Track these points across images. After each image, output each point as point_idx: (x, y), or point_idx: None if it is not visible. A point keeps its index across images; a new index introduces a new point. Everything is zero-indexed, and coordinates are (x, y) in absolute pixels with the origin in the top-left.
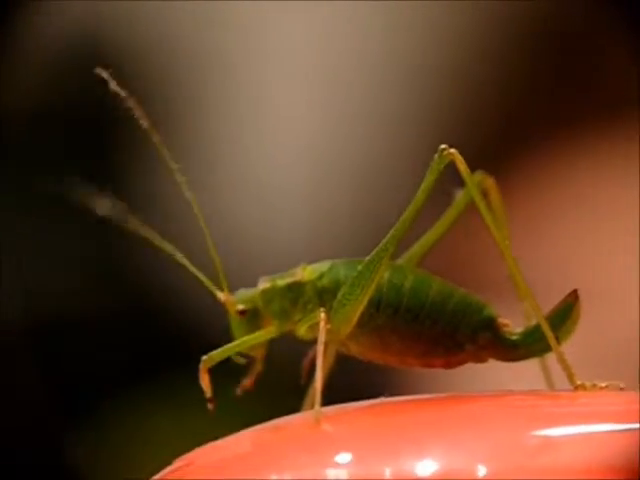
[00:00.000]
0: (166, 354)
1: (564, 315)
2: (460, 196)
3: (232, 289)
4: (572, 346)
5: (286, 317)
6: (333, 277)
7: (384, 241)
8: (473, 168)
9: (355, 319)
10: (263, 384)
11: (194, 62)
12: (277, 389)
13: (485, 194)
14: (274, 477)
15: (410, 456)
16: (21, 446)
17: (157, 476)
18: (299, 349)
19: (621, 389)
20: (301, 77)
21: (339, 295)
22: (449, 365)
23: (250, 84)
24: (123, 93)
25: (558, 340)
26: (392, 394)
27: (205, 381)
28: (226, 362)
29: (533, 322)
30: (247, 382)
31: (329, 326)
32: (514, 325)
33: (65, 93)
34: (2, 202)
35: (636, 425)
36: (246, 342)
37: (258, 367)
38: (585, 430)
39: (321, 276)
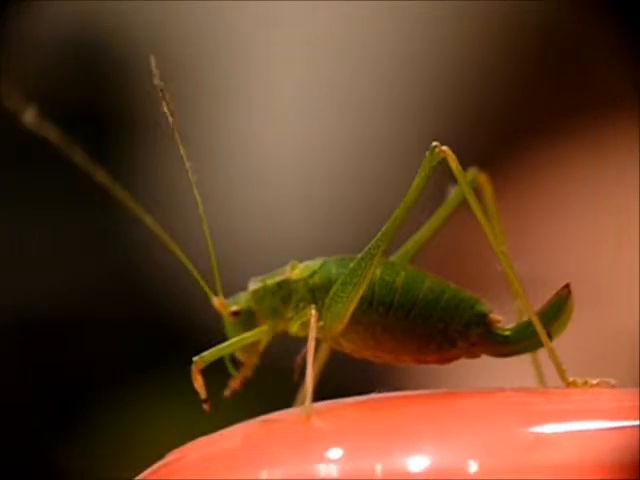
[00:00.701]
0: (160, 351)
1: (556, 310)
2: (453, 193)
3: (230, 289)
4: (565, 342)
5: (278, 316)
6: (325, 274)
7: (376, 238)
8: (467, 164)
9: (347, 316)
10: (257, 381)
11: (195, 56)
12: (271, 386)
13: (478, 190)
14: (264, 472)
15: (401, 452)
16: (16, 445)
17: (148, 470)
18: (293, 347)
19: (612, 386)
20: (300, 74)
21: (331, 292)
22: (442, 361)
23: (248, 81)
24: (161, 86)
25: (550, 336)
26: (385, 390)
27: (198, 382)
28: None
29: (526, 318)
30: (235, 384)
31: (321, 323)
32: (506, 321)
33: (66, 84)
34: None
35: (628, 422)
36: (239, 342)
37: (247, 371)
38: (577, 427)
39: (313, 274)
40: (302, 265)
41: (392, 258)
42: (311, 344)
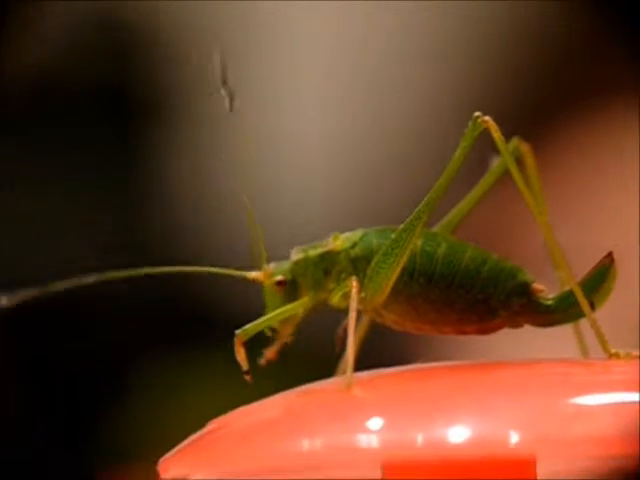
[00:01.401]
0: (191, 332)
1: (599, 279)
2: (495, 164)
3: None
4: (607, 312)
5: (320, 287)
6: (366, 245)
7: (418, 209)
8: (510, 134)
9: (389, 287)
10: (297, 354)
11: (212, 45)
12: (311, 359)
13: (521, 160)
14: (305, 441)
15: (442, 422)
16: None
17: (189, 439)
18: (334, 318)
19: None
20: (337, 44)
21: (372, 263)
22: (484, 331)
23: (279, 57)
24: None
25: (593, 305)
26: (426, 361)
27: (241, 355)
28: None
29: (568, 288)
30: (270, 353)
31: (362, 294)
32: (548, 292)
33: (84, 65)
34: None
35: None
36: (281, 314)
37: (283, 340)
38: (619, 399)
39: (354, 245)
40: (343, 236)
41: (434, 229)
42: (352, 314)
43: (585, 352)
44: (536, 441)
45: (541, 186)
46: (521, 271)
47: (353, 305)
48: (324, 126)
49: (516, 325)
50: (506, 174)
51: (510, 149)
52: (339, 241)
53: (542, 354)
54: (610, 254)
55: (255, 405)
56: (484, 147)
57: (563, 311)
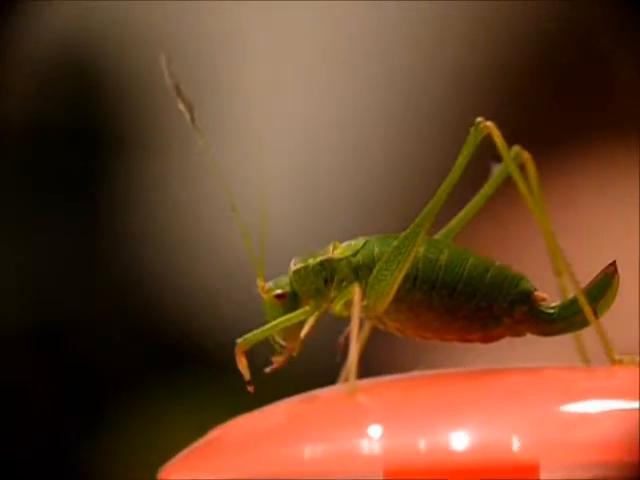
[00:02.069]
0: (174, 353)
1: (602, 288)
2: (497, 170)
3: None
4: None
5: (321, 296)
6: (368, 253)
7: (420, 216)
8: (510, 143)
9: (391, 295)
10: (298, 363)
11: (186, 68)
12: (312, 369)
13: (522, 168)
14: (307, 448)
15: (445, 428)
16: (29, 446)
17: (191, 447)
18: (335, 328)
19: None
20: (338, 42)
21: (374, 271)
22: (486, 339)
23: (269, 59)
24: (176, 83)
25: (596, 314)
26: (428, 368)
27: (242, 364)
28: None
29: (569, 297)
30: (277, 363)
31: (364, 302)
32: (549, 301)
33: (53, 103)
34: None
35: None
36: (282, 323)
37: (289, 353)
38: (622, 405)
39: (356, 252)
40: (344, 244)
41: (436, 237)
42: (355, 322)
43: (585, 359)
44: (539, 447)
45: (542, 194)
46: (523, 279)
47: (356, 312)
48: (324, 132)
49: (518, 334)
50: (507, 181)
51: (511, 156)
52: (340, 249)
53: (544, 362)
54: (613, 263)
55: (258, 412)
56: (486, 155)
57: (565, 320)
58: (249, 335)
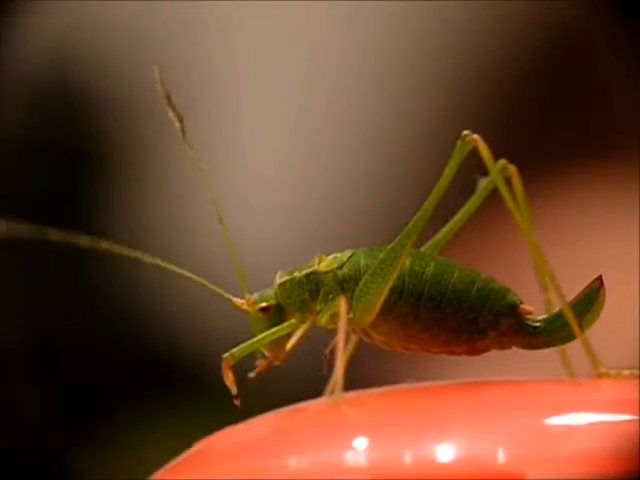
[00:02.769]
0: (160, 368)
1: (588, 302)
2: (483, 183)
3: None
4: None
5: (307, 308)
6: (354, 266)
7: (406, 228)
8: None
9: (377, 307)
10: (284, 377)
11: (174, 84)
12: (298, 382)
13: (507, 182)
14: (293, 460)
15: (430, 441)
16: (23, 460)
17: (177, 459)
18: (321, 341)
19: None
20: (324, 58)
21: (360, 284)
22: (472, 352)
23: (257, 72)
24: (167, 93)
25: (582, 327)
26: (414, 381)
27: (229, 379)
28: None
29: (555, 310)
30: (262, 364)
31: (350, 315)
32: (536, 314)
33: (40, 127)
34: None
35: None
36: (268, 337)
37: (273, 361)
38: (608, 418)
39: (342, 265)
40: (330, 257)
41: (422, 250)
42: (341, 334)
43: (571, 372)
44: (524, 459)
45: (528, 207)
46: (509, 292)
47: (342, 325)
48: (309, 145)
49: (504, 346)
50: (493, 194)
51: (497, 168)
52: (326, 262)
53: (531, 374)
54: (599, 277)
55: (244, 424)
56: (472, 168)
57: (551, 333)
58: (235, 349)
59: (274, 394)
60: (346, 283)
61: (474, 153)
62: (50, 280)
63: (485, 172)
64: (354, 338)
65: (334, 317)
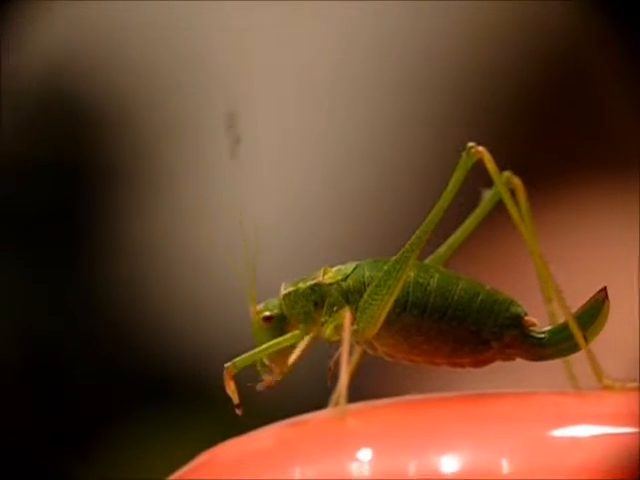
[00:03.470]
0: (161, 382)
1: (592, 314)
2: (488, 195)
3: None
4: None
5: (311, 320)
6: (358, 278)
7: (411, 240)
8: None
9: (381, 319)
10: (287, 389)
11: (174, 97)
12: (302, 393)
13: (512, 193)
14: (297, 471)
15: (434, 452)
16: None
17: (181, 471)
18: (325, 352)
19: None
20: (327, 64)
21: (365, 295)
22: (476, 364)
23: (267, 78)
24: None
25: (586, 339)
26: (418, 393)
27: (231, 388)
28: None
29: (559, 322)
30: (267, 381)
31: (355, 327)
32: (540, 326)
33: (37, 138)
34: None
35: None
36: (271, 347)
37: (277, 375)
38: (612, 430)
39: (346, 277)
40: (334, 269)
41: (426, 262)
42: (346, 346)
43: (575, 384)
44: (528, 471)
45: (533, 219)
46: (514, 303)
47: (347, 336)
48: (314, 156)
49: (508, 358)
50: (498, 207)
51: (503, 180)
52: (331, 273)
53: (534, 387)
54: (604, 289)
55: (247, 436)
56: (475, 180)
57: (556, 345)
58: (238, 359)
59: (278, 406)
60: (350, 295)
61: (478, 165)
62: (49, 292)
63: (488, 184)
64: (358, 350)
65: (338, 329)
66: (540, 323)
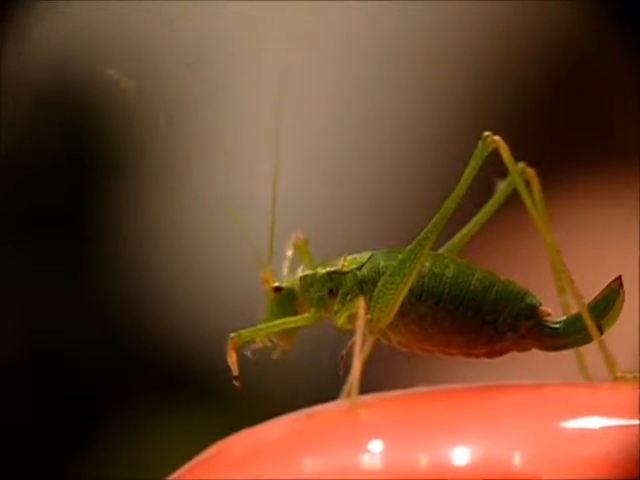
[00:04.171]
0: (166, 374)
1: (607, 303)
2: (502, 185)
3: None
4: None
5: (323, 305)
6: (373, 267)
7: (425, 230)
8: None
9: (395, 309)
10: (300, 379)
11: (179, 93)
12: (314, 383)
13: (527, 184)
14: (309, 462)
15: (445, 443)
16: (20, 465)
17: (193, 461)
18: (336, 342)
19: None
20: (343, 53)
21: (379, 285)
22: (491, 354)
23: (275, 64)
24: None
25: (601, 329)
26: (431, 384)
27: (232, 359)
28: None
29: (574, 312)
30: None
31: (369, 316)
32: (555, 316)
33: (43, 128)
34: None
35: None
36: (279, 325)
37: (286, 350)
38: (624, 422)
39: (361, 266)
40: (350, 257)
41: (440, 251)
42: (359, 335)
43: (587, 375)
44: (540, 463)
45: (546, 210)
46: (528, 294)
47: (360, 325)
48: (329, 148)
49: (523, 348)
50: (512, 197)
51: (518, 170)
52: (345, 262)
53: (547, 378)
54: (619, 277)
55: (258, 427)
56: (491, 170)
57: (570, 335)
58: (244, 331)
59: (290, 396)
60: (365, 284)
61: (491, 156)
62: (51, 283)
63: (502, 174)
64: (371, 339)
65: (352, 318)
66: (555, 313)
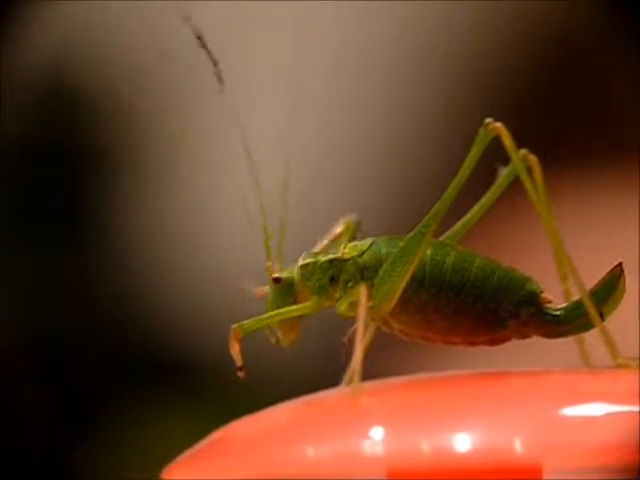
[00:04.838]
0: (166, 363)
1: (608, 290)
2: (504, 173)
3: None
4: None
5: (325, 293)
6: (374, 254)
7: (427, 217)
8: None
9: (397, 296)
10: (301, 366)
11: (175, 85)
12: (315, 370)
13: (529, 172)
14: (311, 449)
15: (447, 430)
16: (22, 455)
17: (193, 448)
18: (337, 329)
19: None
20: (343, 41)
21: (380, 272)
22: (492, 342)
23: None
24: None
25: (602, 315)
26: (432, 371)
27: (235, 350)
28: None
29: (575, 299)
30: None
31: (370, 303)
32: (556, 303)
33: (40, 124)
34: None
35: None
36: (281, 315)
37: (289, 339)
38: (626, 408)
39: (362, 253)
40: (351, 244)
41: (442, 239)
42: (361, 322)
43: (588, 362)
44: (541, 449)
45: (548, 198)
46: (530, 281)
47: (362, 313)
48: (330, 132)
49: (525, 336)
50: (513, 184)
51: (520, 157)
52: (346, 249)
53: (549, 365)
54: (620, 264)
55: (261, 413)
56: (492, 157)
57: (572, 322)
58: (246, 322)
59: (291, 383)
60: (366, 271)
61: (493, 142)
62: (49, 277)
63: (504, 161)
64: (373, 327)
65: (353, 305)
66: (556, 300)
